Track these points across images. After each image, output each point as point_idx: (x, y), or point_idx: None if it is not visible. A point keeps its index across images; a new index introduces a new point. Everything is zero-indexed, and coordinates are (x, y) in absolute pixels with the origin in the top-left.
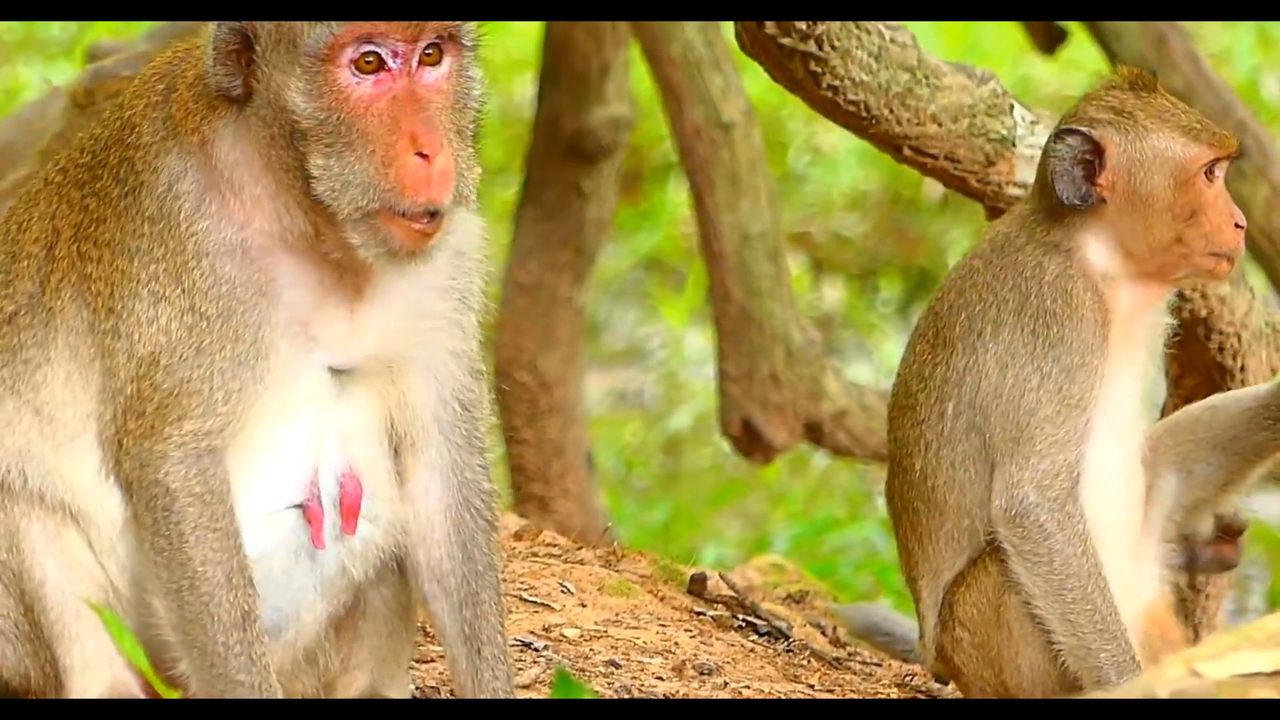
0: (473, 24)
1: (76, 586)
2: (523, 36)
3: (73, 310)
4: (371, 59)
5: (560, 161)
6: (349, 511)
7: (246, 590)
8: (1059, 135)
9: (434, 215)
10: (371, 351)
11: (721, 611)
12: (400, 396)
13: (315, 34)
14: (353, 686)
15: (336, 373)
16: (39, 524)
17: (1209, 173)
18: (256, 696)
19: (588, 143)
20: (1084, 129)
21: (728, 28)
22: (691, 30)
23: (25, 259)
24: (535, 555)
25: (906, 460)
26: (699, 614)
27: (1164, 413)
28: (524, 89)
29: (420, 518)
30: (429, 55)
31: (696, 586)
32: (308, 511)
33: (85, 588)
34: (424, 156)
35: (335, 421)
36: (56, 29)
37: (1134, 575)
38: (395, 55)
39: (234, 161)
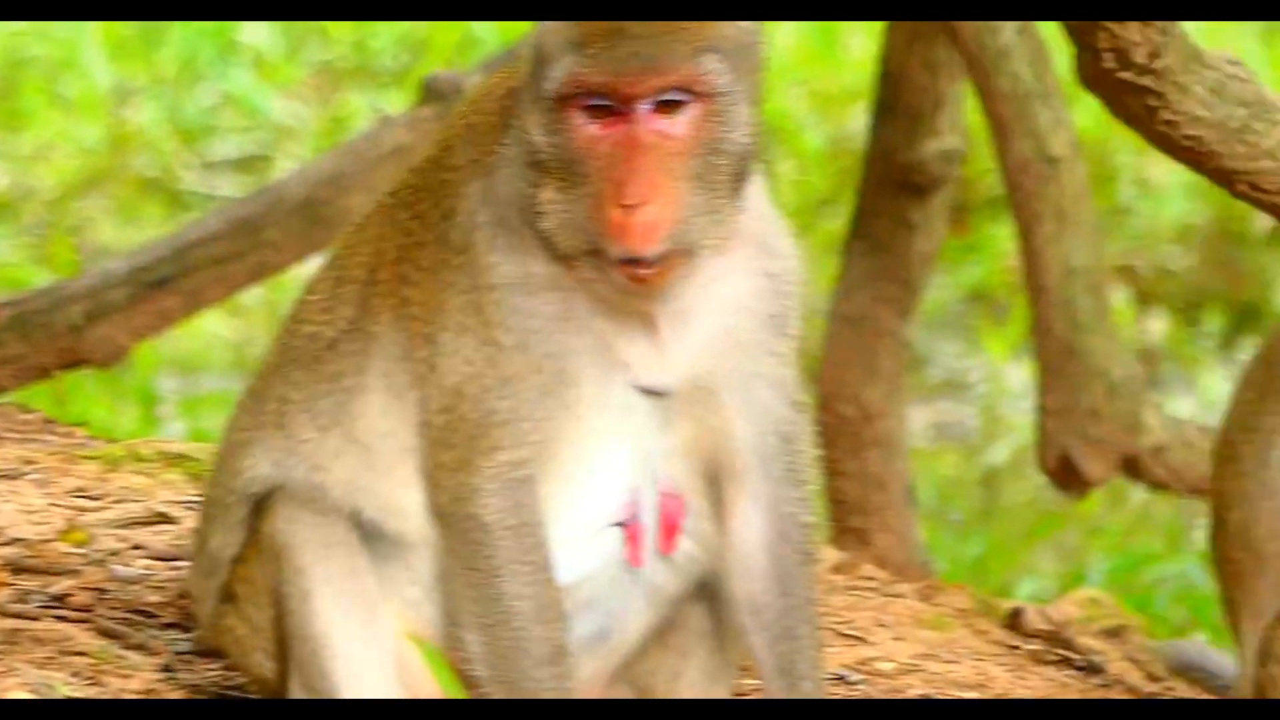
0: (724, 69)
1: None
2: (857, 67)
3: (390, 336)
4: (601, 106)
5: (891, 194)
6: (669, 529)
7: (558, 625)
8: None
9: (639, 263)
10: (683, 374)
11: (1038, 646)
12: (719, 425)
13: (553, 77)
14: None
15: (653, 397)
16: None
17: None
18: None
19: (919, 175)
20: None
21: (1059, 61)
22: (1021, 64)
23: (349, 283)
24: (853, 589)
25: (1227, 513)
26: (1015, 648)
27: None
28: (856, 120)
29: (739, 550)
30: (666, 105)
31: (1013, 620)
32: (627, 530)
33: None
34: (629, 208)
35: (655, 446)
36: (389, 59)
37: None
38: (625, 105)
39: (510, 192)
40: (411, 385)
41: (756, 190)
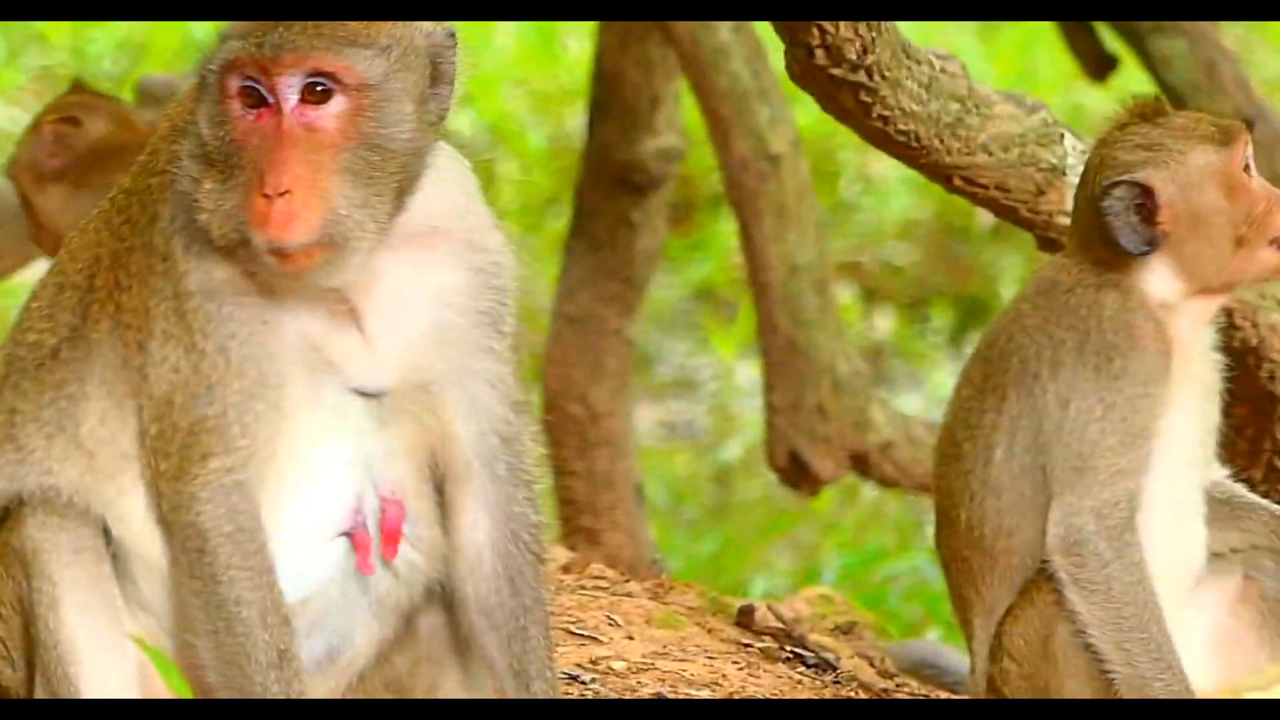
0: (377, 64)
1: (115, 624)
2: (574, 66)
3: (109, 343)
4: (252, 92)
5: (610, 192)
6: (390, 535)
7: (282, 629)
8: (1105, 191)
9: (282, 253)
10: (396, 373)
11: (769, 643)
12: (439, 427)
13: (210, 61)
14: None
15: (370, 399)
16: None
17: (1245, 167)
18: None
19: (638, 174)
20: (1127, 177)
21: (776, 58)
22: (739, 62)
23: (70, 289)
24: (583, 588)
25: (953, 511)
26: (746, 646)
27: None
28: (575, 119)
29: (467, 551)
30: (312, 93)
31: (744, 618)
32: (354, 538)
33: (129, 626)
34: (267, 197)
35: (374, 448)
36: (107, 62)
37: (1181, 610)
38: (270, 91)
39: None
40: (129, 393)
41: (463, 186)
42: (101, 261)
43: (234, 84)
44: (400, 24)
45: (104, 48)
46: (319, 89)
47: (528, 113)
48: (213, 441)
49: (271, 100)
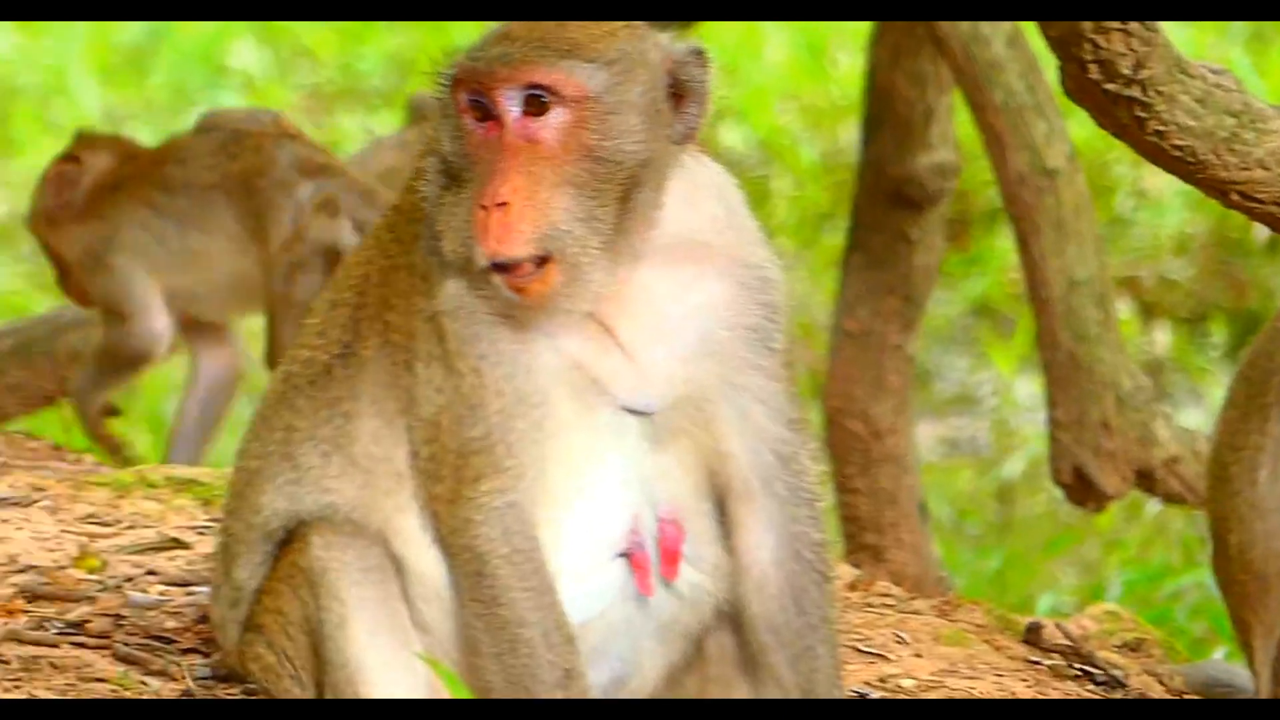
0: (598, 76)
1: (405, 643)
2: (845, 81)
3: (378, 361)
4: (479, 106)
5: (886, 208)
6: (669, 556)
7: (565, 648)
8: None
9: (504, 268)
10: (664, 390)
11: (1057, 660)
12: (713, 445)
13: (441, 76)
14: None
15: (643, 418)
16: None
17: None
18: None
19: (913, 189)
20: None
21: (1051, 72)
22: (1013, 76)
23: (342, 306)
24: (870, 605)
25: (1225, 535)
26: (1035, 663)
27: None
28: (847, 134)
29: (752, 570)
30: (532, 106)
31: (1032, 635)
32: (633, 559)
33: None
34: (485, 208)
35: (650, 468)
36: (376, 79)
37: None
38: (493, 104)
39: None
40: (399, 411)
41: (726, 201)
42: (370, 278)
43: (463, 98)
44: (623, 38)
45: (373, 64)
46: (539, 101)
47: (800, 127)
48: (482, 463)
49: (496, 113)
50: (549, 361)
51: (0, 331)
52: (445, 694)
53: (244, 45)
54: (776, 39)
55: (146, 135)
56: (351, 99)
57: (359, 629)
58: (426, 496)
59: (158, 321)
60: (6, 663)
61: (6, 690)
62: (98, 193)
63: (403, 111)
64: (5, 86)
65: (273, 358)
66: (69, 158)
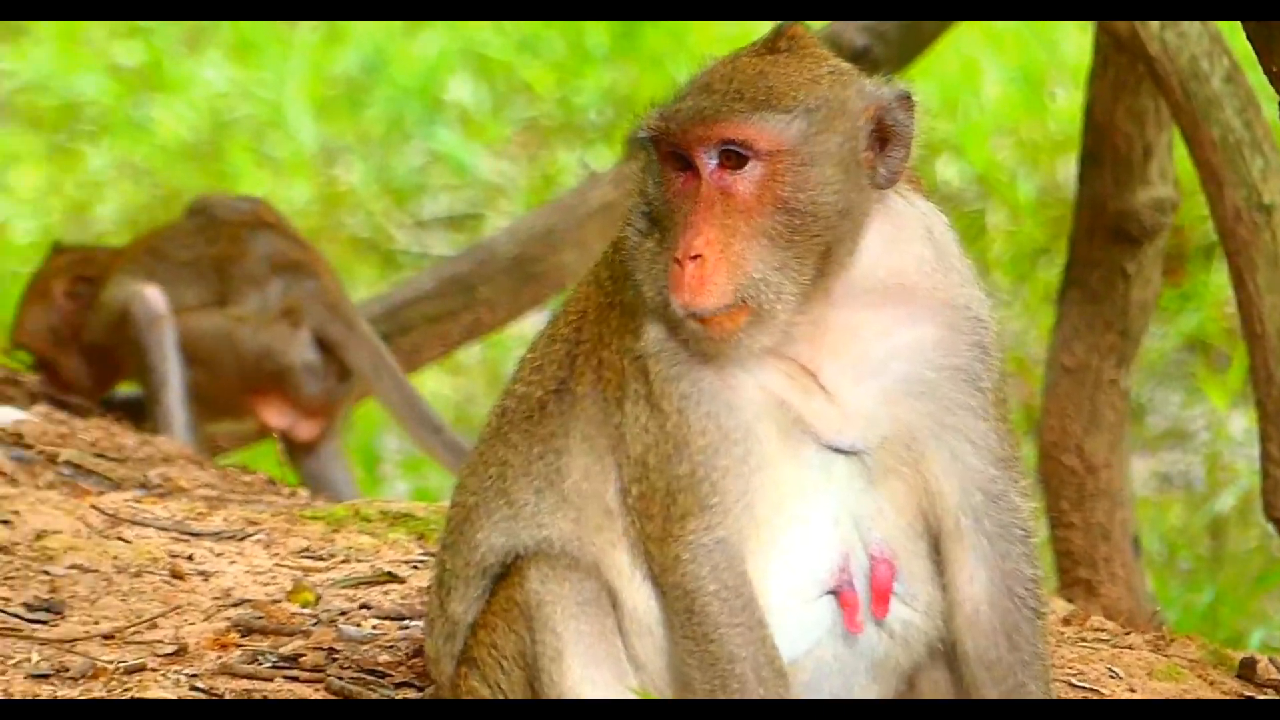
0: (794, 128)
1: (620, 678)
2: (1062, 116)
3: (591, 398)
4: (679, 157)
5: (1104, 243)
6: (880, 594)
7: (776, 682)
8: None
9: (697, 317)
10: (869, 430)
11: (1272, 695)
12: (924, 484)
13: (640, 126)
14: None
15: (853, 457)
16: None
17: None
18: None
19: (1132, 225)
20: None
21: (1269, 108)
22: (1230, 112)
23: (559, 342)
24: (1083, 640)
25: None
26: (1249, 699)
27: None
28: (1064, 169)
29: (964, 606)
30: (729, 159)
31: (1246, 671)
32: (841, 597)
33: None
34: (679, 261)
35: (862, 506)
36: (593, 113)
37: None
38: (690, 157)
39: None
40: (609, 449)
41: (935, 241)
42: (587, 315)
43: (664, 149)
44: (825, 85)
45: (589, 99)
46: (734, 155)
47: (1017, 162)
48: (688, 501)
49: (693, 166)
50: (752, 400)
51: None
52: None
53: (460, 80)
54: (994, 74)
55: (361, 170)
56: (568, 133)
57: (575, 663)
58: (639, 534)
59: (151, 296)
60: (220, 696)
61: None
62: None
63: (619, 146)
64: (220, 120)
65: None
66: (83, 278)
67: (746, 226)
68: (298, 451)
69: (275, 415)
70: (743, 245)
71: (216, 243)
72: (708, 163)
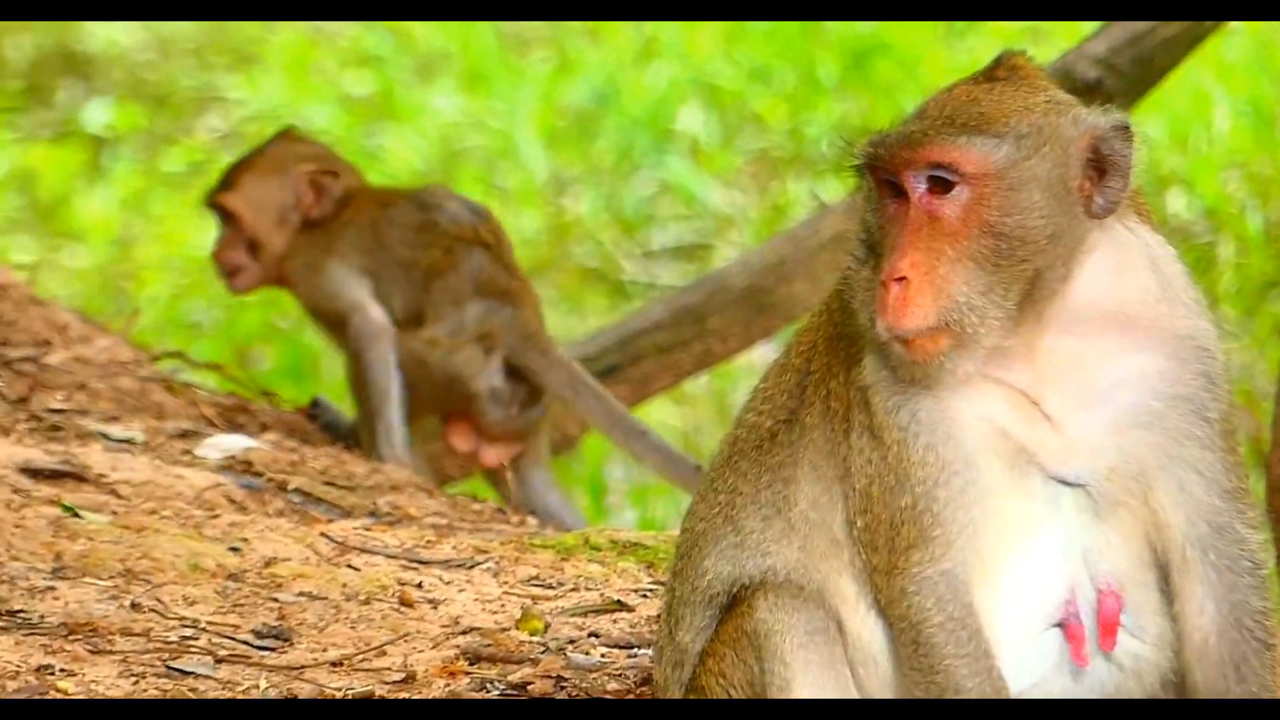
0: (1002, 152)
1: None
2: None
3: (820, 429)
4: (892, 184)
5: None
6: (1107, 627)
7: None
8: None
9: (902, 340)
10: (1095, 461)
11: None
12: (1151, 516)
13: (859, 153)
14: None
15: (1079, 489)
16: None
17: None
18: None
19: None
20: None
21: None
22: None
23: (791, 372)
24: None
25: None
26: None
27: None
28: None
29: (1193, 638)
30: (937, 183)
31: None
32: (1068, 629)
33: None
34: (885, 284)
35: (1091, 539)
36: (824, 145)
37: None
38: (900, 182)
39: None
40: (836, 479)
41: (1160, 271)
42: (817, 346)
43: (877, 175)
44: (1038, 112)
45: (820, 129)
46: (943, 179)
47: (1246, 195)
48: (912, 533)
49: (904, 190)
50: (974, 430)
51: None
52: None
53: (691, 110)
54: (1225, 107)
55: (590, 200)
56: (798, 164)
57: (804, 692)
58: (865, 566)
59: (374, 312)
60: None
61: None
62: (335, 211)
63: (849, 177)
64: (451, 149)
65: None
66: (329, 171)
67: (952, 250)
68: (501, 482)
69: (460, 440)
70: (948, 269)
71: (432, 249)
72: (916, 186)
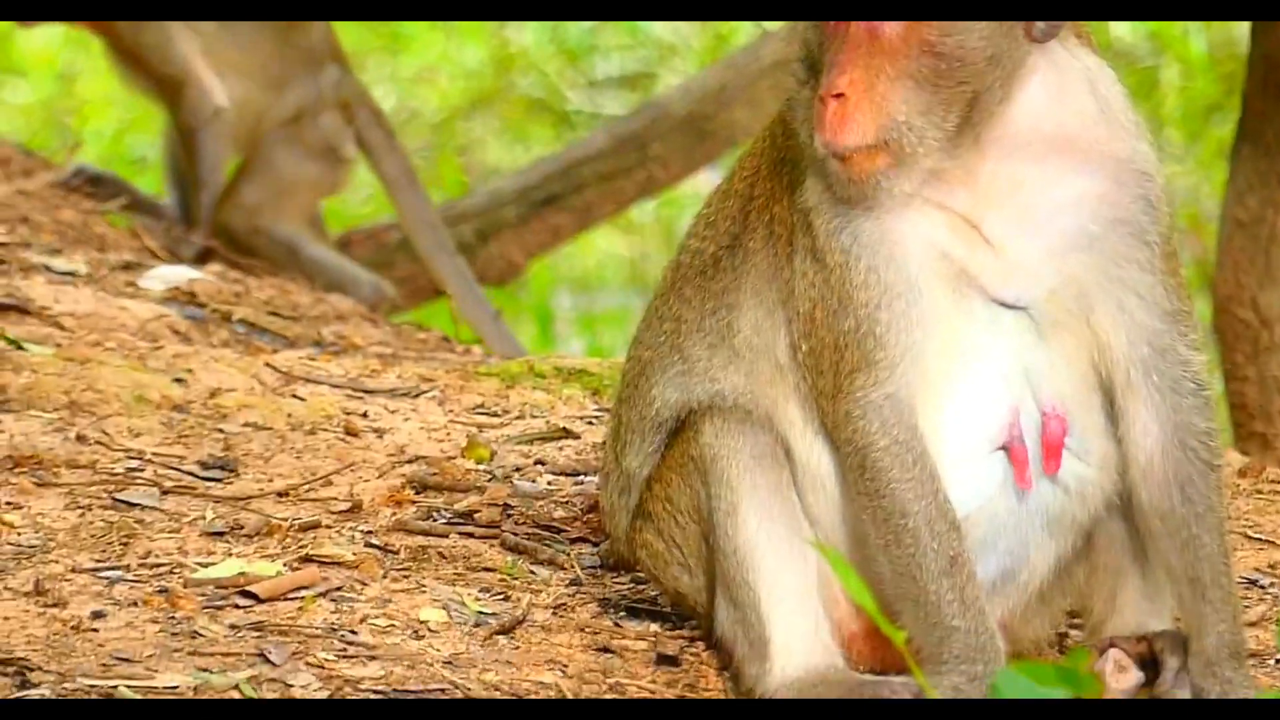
0: None
1: (796, 530)
2: None
3: (763, 253)
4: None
5: (1277, 97)
6: (1051, 449)
7: (949, 535)
8: None
9: (839, 157)
10: (1036, 284)
11: None
12: (1093, 338)
13: None
14: (1121, 627)
15: (1021, 313)
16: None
17: None
18: (973, 639)
19: None
20: None
21: None
22: None
23: (734, 197)
24: (1259, 492)
25: None
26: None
27: None
28: (1240, 25)
29: (1138, 459)
30: None
31: None
32: (1011, 452)
33: (805, 533)
34: (823, 100)
35: (1033, 362)
36: None
37: None
38: None
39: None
40: (779, 304)
41: (1100, 94)
42: (761, 171)
43: None
44: None
45: None
46: None
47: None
48: (855, 357)
49: None
50: (915, 253)
51: (390, 225)
52: (836, 582)
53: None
54: None
55: (534, 31)
56: None
57: (750, 515)
58: (810, 390)
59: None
60: (395, 553)
61: (395, 580)
62: None
63: None
64: None
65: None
66: None
67: (892, 68)
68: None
69: None
70: (887, 87)
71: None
72: None
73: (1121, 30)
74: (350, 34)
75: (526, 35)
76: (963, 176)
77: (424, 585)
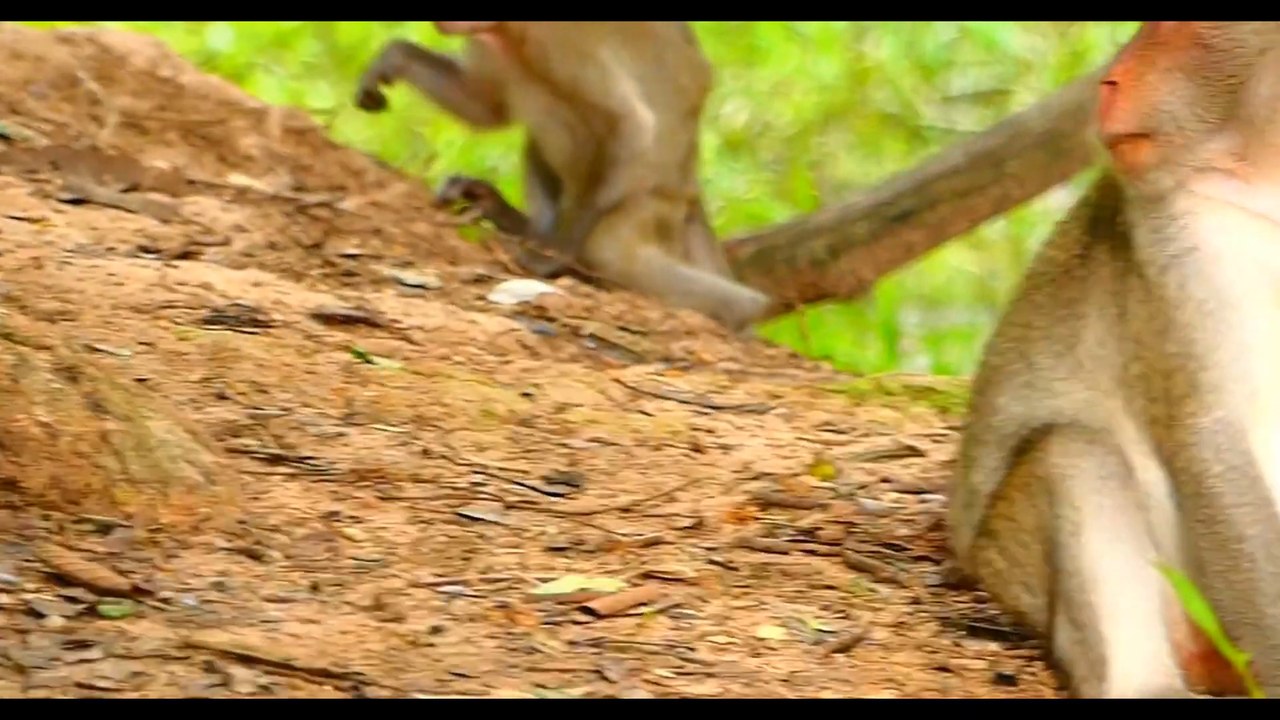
0: None
1: (1141, 552)
2: None
3: (1109, 265)
4: None
5: None
6: None
7: None
8: None
9: (1111, 147)
10: None
11: None
12: None
13: None
14: None
15: None
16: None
17: None
18: None
19: None
20: None
21: None
22: None
23: (1086, 205)
24: None
25: None
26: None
27: None
28: None
29: None
30: None
31: None
32: None
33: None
34: (1102, 87)
35: None
36: None
37: None
38: None
39: None
40: (1118, 319)
41: None
42: (1110, 177)
43: None
44: None
45: None
46: None
47: None
48: (1183, 382)
49: None
50: (1228, 266)
51: (741, 239)
52: (1178, 606)
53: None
54: None
55: (892, 47)
56: None
57: (1095, 537)
58: (1146, 415)
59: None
60: (737, 570)
61: (735, 596)
62: None
63: None
64: None
65: None
66: None
67: (1163, 60)
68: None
69: None
70: (1157, 77)
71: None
72: None
73: None
74: (709, 46)
75: (882, 49)
76: (1255, 175)
77: (764, 603)
